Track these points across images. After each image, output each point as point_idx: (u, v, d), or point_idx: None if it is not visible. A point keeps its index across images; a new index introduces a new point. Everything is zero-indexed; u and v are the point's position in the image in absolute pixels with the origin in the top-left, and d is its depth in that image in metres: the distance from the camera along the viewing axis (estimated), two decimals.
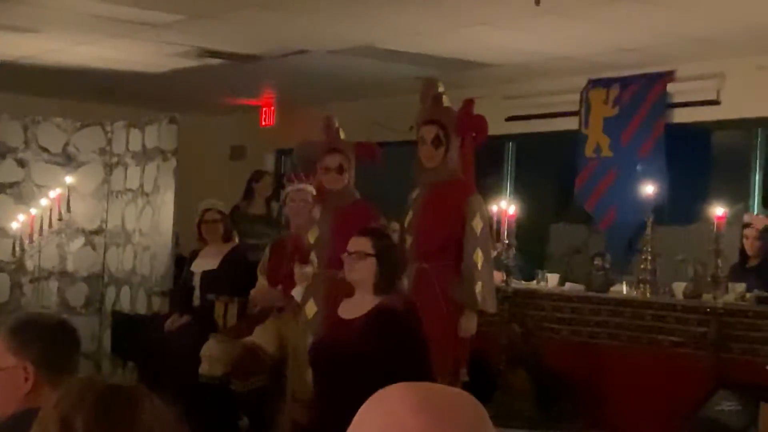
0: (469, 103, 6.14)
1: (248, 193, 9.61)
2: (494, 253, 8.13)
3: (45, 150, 9.84)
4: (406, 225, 6.10)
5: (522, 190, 9.57)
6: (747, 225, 7.26)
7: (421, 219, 5.92)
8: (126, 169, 9.68)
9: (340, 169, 6.08)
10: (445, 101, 6.09)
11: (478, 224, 5.77)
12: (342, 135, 6.19)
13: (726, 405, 6.16)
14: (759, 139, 8.25)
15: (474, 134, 6.15)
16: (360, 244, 4.70)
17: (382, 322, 4.53)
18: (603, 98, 8.98)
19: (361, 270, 4.67)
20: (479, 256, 5.73)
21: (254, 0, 6.93)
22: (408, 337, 4.56)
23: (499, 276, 7.81)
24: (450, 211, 5.81)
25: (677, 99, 8.52)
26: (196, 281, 7.46)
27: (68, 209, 9.69)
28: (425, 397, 1.42)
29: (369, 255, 4.65)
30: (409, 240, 5.97)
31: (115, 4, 7.19)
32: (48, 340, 2.81)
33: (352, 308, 4.72)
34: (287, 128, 11.73)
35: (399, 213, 9.76)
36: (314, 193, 6.41)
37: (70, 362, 2.86)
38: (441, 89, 6.09)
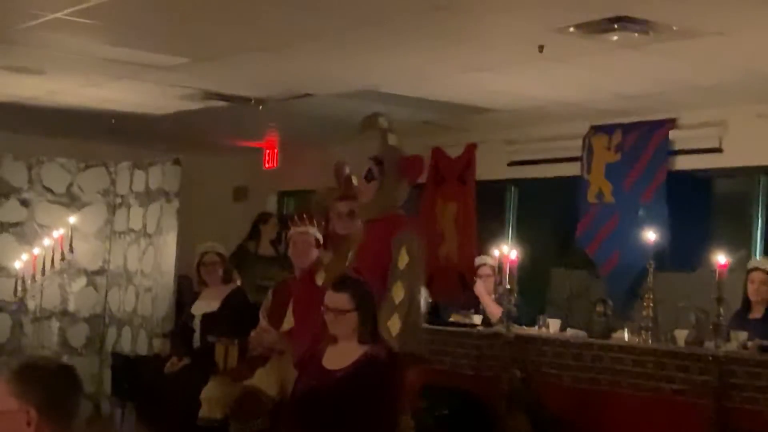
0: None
1: (254, 234, 9.63)
2: (495, 297, 8.17)
3: (49, 190, 9.88)
4: (347, 265, 5.94)
5: (523, 235, 9.58)
6: (753, 269, 7.25)
7: (356, 259, 5.78)
8: (129, 209, 9.72)
9: (351, 215, 6.07)
10: (391, 139, 5.97)
11: (403, 259, 5.50)
12: (355, 181, 6.16)
13: None
14: (761, 187, 8.26)
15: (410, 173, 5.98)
16: (338, 300, 4.66)
17: (368, 374, 4.53)
18: (605, 144, 9.01)
19: (342, 326, 4.64)
20: (399, 290, 5.37)
21: (259, 44, 6.98)
22: (390, 389, 4.58)
23: (497, 315, 7.81)
24: (381, 249, 5.51)
25: (679, 146, 8.55)
26: (196, 324, 7.46)
27: (71, 249, 9.72)
28: None
29: (348, 311, 4.63)
30: None
31: (121, 46, 7.24)
32: (51, 385, 2.81)
33: (337, 358, 4.70)
34: (290, 170, 11.77)
35: None
36: (318, 236, 6.41)
37: (72, 406, 2.87)
38: (385, 125, 6.02)
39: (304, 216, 6.55)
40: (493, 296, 8.23)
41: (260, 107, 9.02)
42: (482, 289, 8.41)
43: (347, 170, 6.28)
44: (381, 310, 5.18)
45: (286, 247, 6.94)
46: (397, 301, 5.29)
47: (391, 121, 6.02)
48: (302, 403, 4.70)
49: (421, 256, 5.48)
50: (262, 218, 9.76)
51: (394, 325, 5.22)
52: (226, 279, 7.66)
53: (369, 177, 5.72)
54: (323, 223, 6.45)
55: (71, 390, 2.88)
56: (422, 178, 10.42)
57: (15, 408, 2.76)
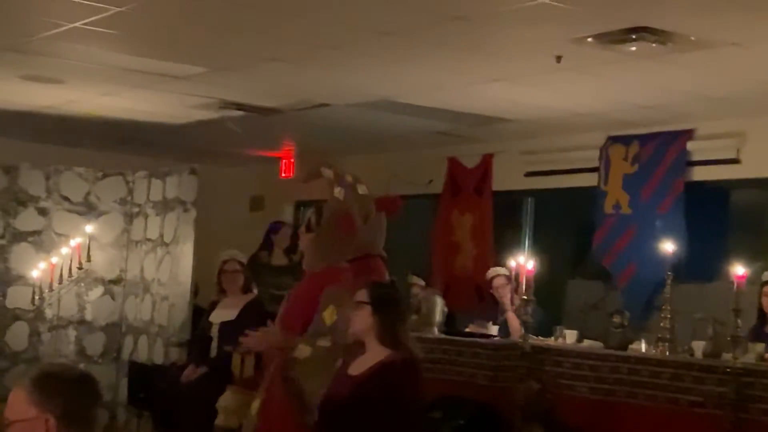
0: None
1: (267, 244, 9.63)
2: (514, 307, 8.15)
3: (66, 199, 9.91)
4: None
5: (540, 246, 9.57)
6: (766, 283, 7.22)
7: (286, 304, 5.68)
8: (146, 219, 9.74)
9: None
10: (337, 192, 5.80)
11: (331, 316, 5.26)
12: (361, 191, 6.15)
13: None
14: None
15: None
16: (357, 295, 4.73)
17: (380, 380, 4.54)
18: (622, 155, 8.99)
19: (357, 320, 4.69)
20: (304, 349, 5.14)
21: (276, 54, 7.00)
22: (404, 395, 4.57)
23: (517, 329, 7.79)
24: (310, 301, 5.30)
25: (697, 157, 8.53)
26: (214, 332, 7.47)
27: (88, 258, 9.74)
28: None
29: (364, 303, 4.67)
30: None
31: (139, 56, 7.27)
32: (70, 394, 2.82)
33: (360, 364, 4.73)
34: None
35: (417, 266, 9.78)
36: None
37: (90, 415, 2.87)
38: (329, 176, 5.84)
39: None
40: (513, 307, 8.22)
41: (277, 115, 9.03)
42: (509, 305, 8.37)
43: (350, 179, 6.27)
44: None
45: (301, 257, 6.92)
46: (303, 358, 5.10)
47: (357, 175, 5.79)
48: (322, 410, 4.72)
49: (348, 315, 5.25)
50: (274, 228, 9.76)
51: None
52: (246, 288, 7.66)
53: (307, 227, 5.65)
54: None
55: (90, 399, 2.89)
56: (438, 189, 10.46)
57: (34, 416, 2.77)
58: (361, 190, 5.74)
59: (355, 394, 4.57)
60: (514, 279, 8.01)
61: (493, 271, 8.73)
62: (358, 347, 4.79)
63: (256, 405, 5.44)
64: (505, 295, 8.47)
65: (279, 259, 9.53)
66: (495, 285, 8.59)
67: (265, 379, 5.48)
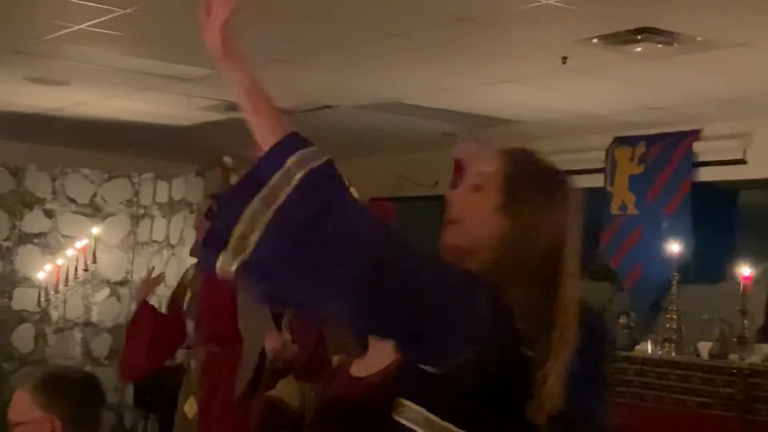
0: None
1: None
2: None
3: (72, 201, 9.93)
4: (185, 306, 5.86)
5: None
6: None
7: (200, 302, 5.72)
8: (152, 220, 9.75)
9: None
10: (233, 179, 5.87)
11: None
12: (355, 194, 6.14)
13: None
14: None
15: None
16: None
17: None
18: (629, 156, 8.98)
19: None
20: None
21: (281, 56, 6.99)
22: None
23: None
24: (225, 297, 5.46)
25: (703, 158, 8.51)
26: None
27: (94, 260, 9.76)
28: None
29: None
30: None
31: (145, 58, 7.27)
32: (76, 396, 2.83)
33: (366, 365, 4.67)
34: None
35: None
36: None
37: (95, 417, 2.88)
38: (229, 164, 5.91)
39: None
40: None
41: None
42: None
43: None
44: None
45: None
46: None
47: (237, 161, 5.83)
48: (328, 412, 4.67)
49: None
50: None
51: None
52: None
53: (209, 215, 5.66)
54: None
55: (95, 401, 2.90)
56: (445, 190, 10.44)
57: (39, 418, 2.78)
58: (233, 180, 5.80)
59: (370, 396, 4.50)
60: None
61: None
62: (352, 344, 4.74)
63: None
64: None
65: None
66: None
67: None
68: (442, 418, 2.20)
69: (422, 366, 2.17)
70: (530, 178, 2.40)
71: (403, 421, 2.29)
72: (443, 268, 2.22)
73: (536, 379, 2.15)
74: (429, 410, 2.21)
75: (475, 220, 2.30)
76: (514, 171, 2.39)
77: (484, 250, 2.24)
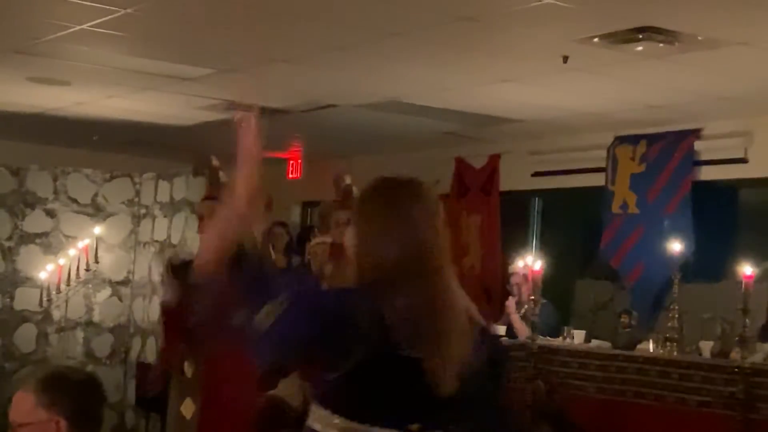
0: None
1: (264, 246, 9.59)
2: (523, 310, 8.12)
3: (74, 201, 9.94)
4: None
5: (548, 246, 9.55)
6: None
7: None
8: (153, 220, 9.76)
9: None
10: (222, 177, 6.05)
11: None
12: (356, 191, 6.21)
13: None
14: None
15: None
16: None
17: None
18: (630, 155, 8.98)
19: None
20: None
21: (283, 55, 7.00)
22: None
23: (525, 333, 7.78)
24: None
25: (704, 156, 8.51)
26: None
27: (96, 260, 9.76)
28: None
29: None
30: None
31: (146, 58, 7.28)
32: (80, 396, 2.83)
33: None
34: (314, 181, 11.79)
35: None
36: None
37: (98, 416, 2.88)
38: (217, 164, 6.10)
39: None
40: (519, 313, 8.17)
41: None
42: (514, 308, 8.32)
43: (347, 180, 6.32)
44: None
45: (308, 258, 6.92)
46: None
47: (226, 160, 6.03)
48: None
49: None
50: (268, 231, 9.71)
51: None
52: None
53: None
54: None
55: (97, 400, 2.90)
56: (446, 189, 10.45)
57: (43, 418, 2.78)
58: (222, 178, 5.93)
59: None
60: (523, 279, 8.01)
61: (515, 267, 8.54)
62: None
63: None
64: (522, 293, 8.35)
65: (278, 260, 9.51)
66: (514, 281, 8.45)
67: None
68: (346, 417, 2.67)
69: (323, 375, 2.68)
70: (370, 200, 2.90)
71: (316, 426, 2.73)
72: (313, 298, 2.82)
73: (425, 371, 2.62)
74: (333, 412, 2.69)
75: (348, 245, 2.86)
76: (361, 197, 2.98)
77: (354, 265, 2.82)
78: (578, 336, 7.65)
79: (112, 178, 10.09)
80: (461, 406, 2.70)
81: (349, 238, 2.89)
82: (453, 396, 2.66)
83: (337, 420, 2.69)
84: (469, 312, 2.81)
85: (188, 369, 6.05)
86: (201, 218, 6.12)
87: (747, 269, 6.42)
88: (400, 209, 2.80)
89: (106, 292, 9.95)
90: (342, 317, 2.63)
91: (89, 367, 9.28)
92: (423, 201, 2.85)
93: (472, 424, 2.76)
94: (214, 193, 6.10)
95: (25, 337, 9.79)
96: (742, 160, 8.30)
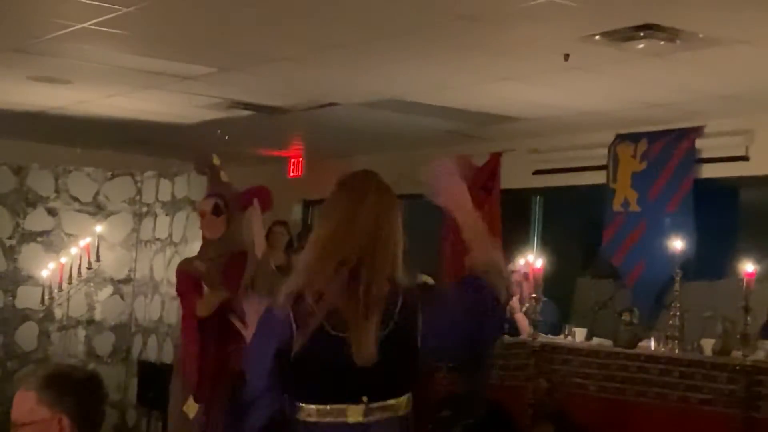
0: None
1: None
2: (524, 308, 8.12)
3: (75, 199, 9.94)
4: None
5: (549, 244, 9.55)
6: None
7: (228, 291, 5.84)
8: (155, 218, 9.76)
9: None
10: (223, 176, 6.05)
11: None
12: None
13: None
14: None
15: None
16: None
17: None
18: (631, 153, 8.98)
19: None
20: None
21: (284, 53, 7.00)
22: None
23: (526, 328, 7.78)
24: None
25: (706, 154, 8.51)
26: None
27: (97, 258, 9.77)
28: None
29: None
30: None
31: (147, 56, 7.28)
32: (81, 394, 2.83)
33: None
34: (315, 179, 11.79)
35: (427, 265, 9.77)
36: None
37: (100, 414, 2.89)
38: (218, 162, 6.11)
39: None
40: (522, 309, 8.17)
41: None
42: (517, 305, 8.31)
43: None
44: None
45: None
46: None
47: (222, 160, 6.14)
48: None
49: None
50: (269, 229, 9.71)
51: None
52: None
53: (217, 211, 5.79)
54: None
55: (99, 398, 2.91)
56: None
57: (46, 417, 2.78)
58: (223, 177, 5.96)
59: None
60: (524, 277, 8.01)
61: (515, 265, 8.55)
62: None
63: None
64: (523, 291, 8.35)
65: (277, 259, 9.51)
66: (515, 279, 8.44)
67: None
68: (305, 402, 3.15)
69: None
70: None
71: (301, 417, 3.17)
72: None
73: (353, 345, 3.09)
74: (298, 400, 3.16)
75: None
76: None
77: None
78: (579, 334, 7.64)
79: (113, 176, 10.10)
80: (384, 372, 3.15)
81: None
82: (375, 365, 3.12)
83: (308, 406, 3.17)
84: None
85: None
86: (203, 215, 6.12)
87: (748, 267, 6.42)
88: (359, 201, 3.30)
89: (108, 290, 9.96)
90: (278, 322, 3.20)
91: (91, 366, 9.29)
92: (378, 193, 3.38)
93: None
94: (215, 190, 6.11)
95: (27, 335, 9.80)
96: (744, 158, 8.30)
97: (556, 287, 8.38)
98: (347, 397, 3.14)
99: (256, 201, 5.95)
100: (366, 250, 3.19)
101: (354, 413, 3.13)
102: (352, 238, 3.21)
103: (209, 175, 6.15)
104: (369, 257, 3.19)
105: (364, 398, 3.13)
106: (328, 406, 3.14)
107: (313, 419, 3.15)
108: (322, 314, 3.12)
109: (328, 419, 3.13)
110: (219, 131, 8.76)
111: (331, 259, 3.19)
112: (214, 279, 5.91)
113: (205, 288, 5.85)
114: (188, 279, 6.04)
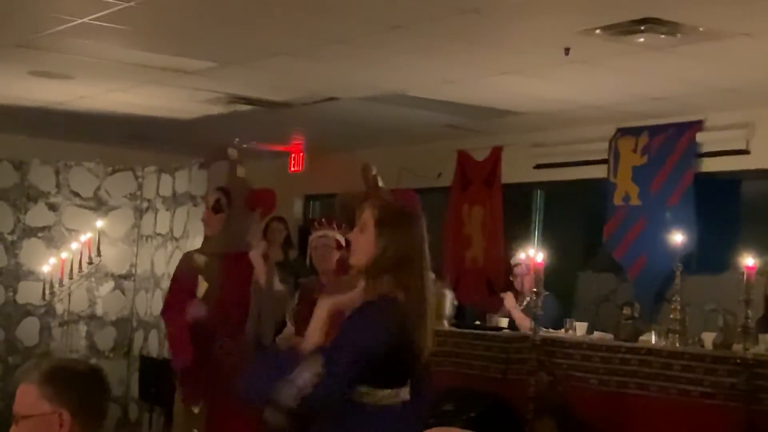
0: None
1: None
2: (525, 302, 8.12)
3: (76, 194, 9.94)
4: (201, 296, 5.92)
5: (550, 238, 9.56)
6: None
7: (221, 294, 5.83)
8: (156, 213, 9.76)
9: None
10: (239, 171, 6.02)
11: None
12: (381, 183, 6.19)
13: None
14: None
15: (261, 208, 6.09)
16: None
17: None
18: (632, 147, 8.98)
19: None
20: None
21: (285, 48, 7.00)
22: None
23: (527, 326, 7.78)
24: (244, 288, 5.71)
25: (706, 148, 8.51)
26: None
27: (98, 253, 9.77)
28: None
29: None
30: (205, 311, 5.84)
31: (148, 51, 7.28)
32: (83, 388, 2.82)
33: None
34: (316, 174, 11.79)
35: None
36: (339, 239, 6.39)
37: (102, 409, 2.88)
38: (234, 156, 6.08)
39: (323, 220, 6.55)
40: (521, 305, 8.16)
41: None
42: (512, 302, 8.30)
43: (374, 170, 6.29)
44: None
45: (311, 251, 6.91)
46: None
47: (241, 154, 6.10)
48: None
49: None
50: (267, 225, 9.70)
51: None
52: None
53: (217, 208, 5.76)
54: (343, 226, 6.44)
55: (101, 392, 2.90)
56: (448, 182, 10.46)
57: (47, 411, 2.78)
58: (240, 172, 5.93)
59: None
60: (525, 270, 8.01)
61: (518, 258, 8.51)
62: None
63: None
64: (527, 282, 8.32)
65: (276, 254, 9.48)
66: (517, 272, 8.42)
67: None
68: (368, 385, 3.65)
69: None
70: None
71: (364, 400, 3.66)
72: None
73: (418, 344, 3.70)
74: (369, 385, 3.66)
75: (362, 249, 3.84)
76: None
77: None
78: (581, 328, 7.65)
79: (114, 171, 10.10)
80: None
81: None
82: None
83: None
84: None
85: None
86: (206, 208, 6.10)
87: (749, 260, 6.42)
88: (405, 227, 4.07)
89: (109, 285, 9.96)
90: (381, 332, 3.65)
91: (92, 361, 9.30)
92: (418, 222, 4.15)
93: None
94: (228, 185, 6.05)
95: (28, 330, 9.81)
96: (744, 152, 8.30)
97: (558, 281, 8.38)
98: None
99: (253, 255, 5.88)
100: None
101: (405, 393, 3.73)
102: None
103: (227, 169, 6.11)
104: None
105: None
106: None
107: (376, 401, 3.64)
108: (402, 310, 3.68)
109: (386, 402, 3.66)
110: (237, 139, 8.77)
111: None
112: (212, 274, 5.91)
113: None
114: (183, 278, 6.04)
